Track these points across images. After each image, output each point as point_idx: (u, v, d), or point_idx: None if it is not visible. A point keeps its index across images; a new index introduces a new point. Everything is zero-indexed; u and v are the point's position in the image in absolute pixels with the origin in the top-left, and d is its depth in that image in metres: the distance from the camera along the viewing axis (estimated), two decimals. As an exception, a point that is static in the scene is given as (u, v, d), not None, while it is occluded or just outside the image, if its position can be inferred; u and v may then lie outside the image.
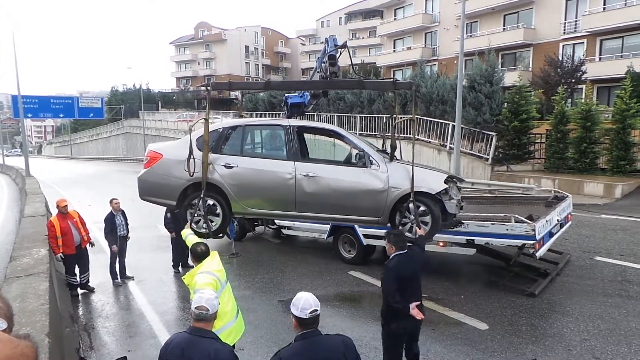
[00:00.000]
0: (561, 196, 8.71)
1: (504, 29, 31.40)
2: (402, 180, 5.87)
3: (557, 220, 7.50)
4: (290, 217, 7.56)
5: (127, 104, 57.30)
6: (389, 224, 6.11)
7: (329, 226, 8.80)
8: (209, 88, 6.69)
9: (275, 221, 9.90)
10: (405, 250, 4.37)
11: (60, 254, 7.38)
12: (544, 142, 18.22)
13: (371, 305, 6.75)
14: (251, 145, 7.16)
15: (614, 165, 15.66)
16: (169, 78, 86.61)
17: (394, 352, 4.39)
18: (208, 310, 2.87)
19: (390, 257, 4.36)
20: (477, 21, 33.03)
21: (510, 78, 23.12)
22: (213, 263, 4.32)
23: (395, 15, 40.46)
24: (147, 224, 12.13)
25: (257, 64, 74.14)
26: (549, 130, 17.51)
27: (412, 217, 5.79)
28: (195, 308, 2.89)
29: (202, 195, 6.28)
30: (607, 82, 25.27)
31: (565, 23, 28.14)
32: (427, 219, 5.90)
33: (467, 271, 8.37)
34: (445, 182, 5.93)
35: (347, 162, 6.57)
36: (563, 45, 28.10)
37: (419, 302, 4.17)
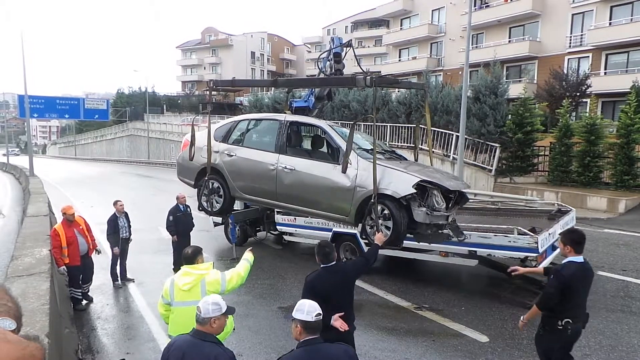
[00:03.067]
0: (564, 209, 8.69)
1: (509, 41, 31.50)
2: (371, 179, 5.55)
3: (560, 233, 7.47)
4: (273, 206, 7.93)
5: (133, 107, 57.58)
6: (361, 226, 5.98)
7: (330, 233, 8.79)
8: (212, 85, 7.72)
9: (277, 227, 9.90)
10: (332, 263, 4.10)
11: (63, 266, 6.92)
12: (547, 155, 18.18)
13: (371, 314, 6.72)
14: (250, 136, 7.61)
15: (618, 179, 15.60)
16: (174, 82, 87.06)
17: None
18: (200, 312, 2.87)
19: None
20: (482, 33, 33.16)
21: (515, 90, 23.14)
22: (182, 278, 4.13)
23: (401, 25, 40.67)
24: (149, 226, 12.14)
25: (263, 70, 74.51)
26: (552, 143, 17.48)
27: (375, 219, 5.54)
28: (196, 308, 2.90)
29: (206, 178, 7.27)
30: (612, 96, 25.27)
31: (571, 37, 28.22)
32: (390, 224, 5.58)
33: (468, 282, 8.34)
34: (417, 186, 5.46)
35: (322, 158, 6.67)
36: (568, 59, 28.17)
37: (342, 314, 3.88)
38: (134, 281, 8.36)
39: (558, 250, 7.47)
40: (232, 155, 7.26)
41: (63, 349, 4.61)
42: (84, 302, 7.30)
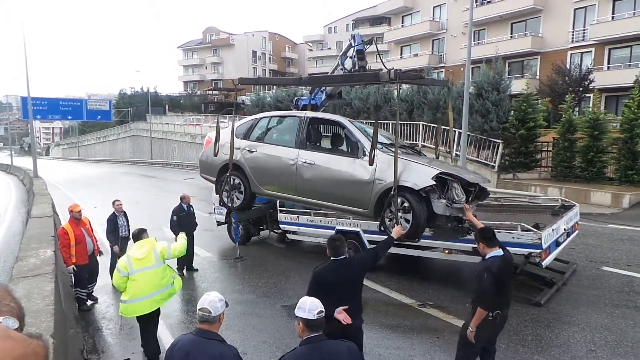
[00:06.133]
0: (568, 205, 8.65)
1: (511, 37, 31.39)
2: (389, 173, 5.62)
3: (564, 229, 7.44)
4: (292, 200, 7.99)
5: (135, 107, 57.72)
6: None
7: (334, 231, 8.78)
8: (236, 84, 7.92)
9: (280, 226, 9.91)
10: (342, 257, 4.15)
11: (73, 265, 6.91)
12: (550, 151, 18.12)
13: (375, 312, 6.72)
14: (271, 133, 7.78)
15: (622, 174, 15.53)
16: (176, 82, 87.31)
17: None
18: (210, 312, 2.87)
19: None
20: (484, 29, 33.04)
21: (518, 86, 23.07)
22: (137, 251, 5.26)
23: (402, 22, 40.57)
24: (153, 226, 12.16)
25: (265, 69, 74.48)
26: (556, 139, 17.42)
27: (394, 212, 5.60)
28: (199, 310, 2.90)
29: (228, 174, 7.48)
30: (615, 91, 25.14)
31: (573, 31, 28.08)
32: (410, 216, 5.62)
33: (472, 279, 8.32)
34: (436, 179, 5.53)
35: (341, 152, 6.78)
36: (571, 54, 28.04)
37: (346, 307, 3.90)
38: None
39: (562, 245, 7.46)
40: (253, 152, 7.48)
41: (68, 349, 4.64)
42: (89, 302, 7.33)
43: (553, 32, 28.94)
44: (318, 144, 7.44)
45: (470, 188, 6.13)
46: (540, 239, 6.40)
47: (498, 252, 4.18)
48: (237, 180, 7.62)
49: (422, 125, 19.44)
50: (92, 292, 7.51)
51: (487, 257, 4.19)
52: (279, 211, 9.78)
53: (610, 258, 9.09)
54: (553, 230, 6.90)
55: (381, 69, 6.35)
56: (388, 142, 6.72)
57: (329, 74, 8.44)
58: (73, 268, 6.95)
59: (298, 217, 9.42)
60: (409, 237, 5.78)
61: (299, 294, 7.41)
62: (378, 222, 7.85)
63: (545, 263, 6.81)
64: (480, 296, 4.09)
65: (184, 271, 8.86)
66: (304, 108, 8.91)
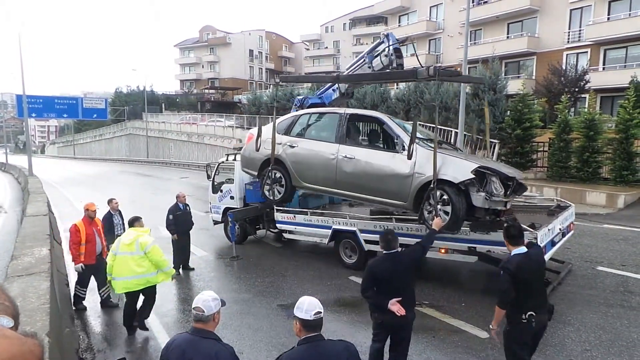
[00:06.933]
0: (564, 205, 8.69)
1: (507, 37, 31.47)
2: (429, 166, 5.83)
3: (560, 229, 7.47)
4: (332, 194, 8.29)
5: (131, 106, 57.54)
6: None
7: (330, 231, 8.79)
8: (278, 81, 9.07)
9: (277, 225, 9.91)
10: (394, 251, 4.36)
11: (81, 264, 6.84)
12: (546, 151, 18.20)
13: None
14: (311, 129, 8.11)
15: (617, 175, 15.62)
16: (173, 80, 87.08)
17: (376, 340, 4.59)
18: (203, 311, 2.86)
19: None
20: (481, 29, 33.12)
21: (514, 86, 23.15)
22: (125, 237, 5.95)
23: (399, 22, 40.60)
24: (149, 225, 12.12)
25: (261, 68, 74.40)
26: (551, 139, 17.50)
27: (433, 205, 5.82)
28: (193, 309, 2.90)
29: (269, 168, 7.89)
30: (610, 91, 25.27)
31: (569, 32, 28.19)
32: (449, 209, 5.82)
33: (468, 279, 8.34)
34: (475, 173, 5.71)
35: (380, 147, 7.15)
36: (567, 54, 28.15)
37: (399, 299, 4.11)
38: None
39: (558, 245, 7.49)
40: (294, 147, 7.86)
41: (64, 348, 4.61)
42: (112, 299, 7.13)
43: (549, 33, 29.05)
44: (356, 139, 7.75)
45: (508, 182, 6.30)
46: (536, 238, 6.42)
47: (521, 249, 4.12)
48: (278, 174, 8.01)
49: (419, 125, 19.50)
50: (109, 297, 7.16)
51: (510, 254, 4.20)
52: (275, 210, 9.77)
53: (605, 258, 9.14)
54: (549, 230, 6.92)
55: (418, 67, 6.64)
56: (426, 138, 6.90)
57: (367, 72, 8.59)
58: (81, 266, 6.89)
59: (295, 216, 9.42)
60: (448, 229, 5.95)
61: (295, 293, 7.44)
62: (381, 221, 7.93)
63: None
64: (498, 294, 4.11)
65: (180, 270, 8.84)
66: (312, 106, 9.35)
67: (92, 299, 7.48)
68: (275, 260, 9.73)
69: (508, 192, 6.25)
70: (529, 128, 17.26)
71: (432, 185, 5.76)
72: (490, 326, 4.18)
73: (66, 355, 4.62)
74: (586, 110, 17.63)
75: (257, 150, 8.18)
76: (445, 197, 5.82)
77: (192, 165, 37.70)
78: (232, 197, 11.09)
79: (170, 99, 64.42)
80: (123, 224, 8.40)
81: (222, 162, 11.70)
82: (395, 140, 6.96)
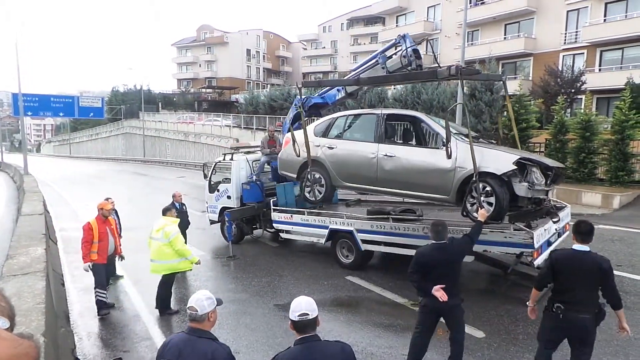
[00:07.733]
0: (559, 205, 8.71)
1: (504, 38, 31.57)
2: (470, 160, 6.02)
3: (555, 229, 7.50)
4: (372, 191, 8.52)
5: (128, 105, 57.35)
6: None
7: (327, 230, 8.79)
8: (300, 86, 8.77)
9: (274, 225, 9.90)
10: (442, 242, 4.53)
11: (90, 263, 6.70)
12: (543, 152, 18.25)
13: (368, 311, 6.73)
14: (349, 130, 8.33)
15: (613, 175, 15.69)
16: (170, 79, 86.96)
17: (420, 323, 4.70)
18: (197, 311, 2.86)
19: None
20: (478, 30, 33.21)
21: (511, 87, 23.15)
22: (156, 224, 6.62)
23: (397, 22, 40.65)
24: (146, 223, 12.09)
25: (259, 68, 74.31)
26: (548, 140, 17.55)
27: (476, 197, 5.98)
28: (188, 308, 2.90)
29: (308, 170, 8.24)
30: (606, 92, 25.38)
31: (565, 33, 28.30)
32: (492, 200, 5.96)
33: (464, 279, 8.35)
34: (517, 163, 5.87)
35: (420, 144, 7.47)
36: (563, 56, 28.26)
37: (443, 286, 4.28)
38: (123, 277, 8.41)
39: (553, 245, 7.52)
40: (332, 148, 8.10)
41: (59, 348, 4.60)
42: (103, 310, 6.78)
43: (546, 34, 29.15)
44: (394, 138, 8.04)
45: (547, 172, 6.48)
46: (532, 238, 6.45)
47: (579, 246, 4.12)
48: (317, 175, 8.30)
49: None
50: (103, 297, 6.89)
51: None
52: (272, 210, 9.77)
53: (600, 258, 9.17)
54: (545, 230, 6.95)
55: (438, 67, 6.84)
56: (464, 134, 7.01)
57: (386, 74, 8.61)
58: (89, 265, 6.74)
59: (292, 216, 9.41)
60: (493, 219, 6.07)
61: (291, 292, 7.43)
62: (378, 221, 7.95)
63: (537, 262, 6.85)
64: (537, 275, 4.27)
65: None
66: (314, 106, 9.70)
67: (87, 299, 7.46)
68: (272, 260, 9.72)
69: (548, 182, 6.46)
70: (526, 129, 17.31)
71: (474, 179, 5.94)
72: (528, 303, 4.46)
73: (62, 355, 4.60)
74: (582, 111, 17.70)
75: (298, 155, 8.50)
76: (488, 188, 5.99)
77: (189, 165, 37.62)
78: (229, 197, 11.07)
79: (167, 98, 64.24)
80: (119, 223, 8.37)
81: (219, 162, 11.68)
82: (435, 137, 7.28)
